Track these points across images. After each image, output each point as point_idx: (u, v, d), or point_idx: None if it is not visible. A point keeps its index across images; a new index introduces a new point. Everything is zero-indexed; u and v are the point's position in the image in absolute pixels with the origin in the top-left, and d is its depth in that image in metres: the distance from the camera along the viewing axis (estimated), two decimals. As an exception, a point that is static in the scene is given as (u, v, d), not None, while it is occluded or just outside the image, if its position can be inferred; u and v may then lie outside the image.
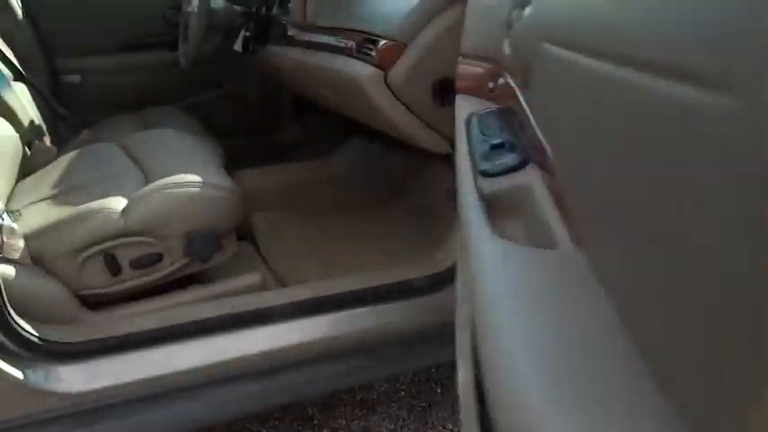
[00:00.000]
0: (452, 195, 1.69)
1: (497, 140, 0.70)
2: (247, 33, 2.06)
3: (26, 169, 1.57)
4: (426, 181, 2.04)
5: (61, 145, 1.94)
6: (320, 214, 1.96)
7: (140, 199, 1.22)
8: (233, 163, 1.91)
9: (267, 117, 2.67)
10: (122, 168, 1.43)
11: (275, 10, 2.02)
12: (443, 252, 1.46)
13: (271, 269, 1.58)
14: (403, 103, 1.35)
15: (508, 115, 0.78)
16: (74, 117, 2.21)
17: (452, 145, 1.43)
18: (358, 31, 1.47)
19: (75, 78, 2.32)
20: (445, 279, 1.40)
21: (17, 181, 1.50)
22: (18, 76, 1.91)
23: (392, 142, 1.73)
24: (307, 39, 1.74)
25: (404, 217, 1.92)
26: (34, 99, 1.91)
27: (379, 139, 2.12)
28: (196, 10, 2.01)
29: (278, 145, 2.66)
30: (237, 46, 2.05)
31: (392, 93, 1.33)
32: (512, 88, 0.72)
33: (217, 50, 2.13)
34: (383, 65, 1.32)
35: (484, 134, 0.75)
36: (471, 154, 0.72)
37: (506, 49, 0.75)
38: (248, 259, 1.57)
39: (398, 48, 1.31)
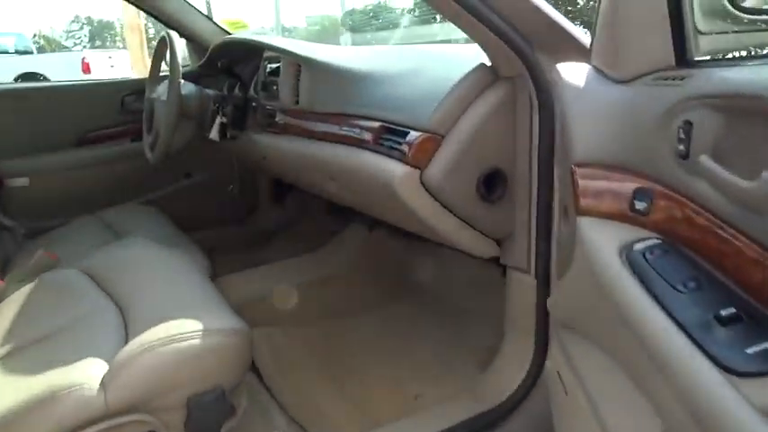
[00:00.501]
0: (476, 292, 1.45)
1: (727, 311, 0.48)
2: (224, 119, 1.82)
3: None
4: (443, 272, 1.80)
5: (8, 267, 1.62)
6: (326, 322, 1.68)
7: (124, 365, 0.91)
8: (210, 256, 1.63)
9: (244, 203, 2.41)
10: (93, 308, 1.13)
11: (257, 93, 1.78)
12: (490, 380, 1.22)
13: (283, 408, 1.29)
14: (442, 204, 1.11)
15: (694, 256, 0.56)
16: (21, 227, 1.89)
17: (500, 245, 1.22)
18: (371, 119, 1.24)
19: (23, 181, 2.02)
20: (498, 417, 1.15)
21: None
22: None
23: (395, 228, 1.49)
24: (302, 126, 1.50)
25: (425, 321, 1.65)
26: None
27: (379, 223, 1.88)
28: (164, 98, 1.76)
29: (258, 231, 2.40)
30: (214, 135, 1.79)
31: (429, 193, 1.10)
32: (705, 225, 0.53)
33: (189, 141, 1.87)
34: (417, 161, 1.08)
35: (677, 288, 0.53)
36: (675, 320, 0.50)
37: (683, 177, 0.58)
38: (256, 400, 1.27)
39: (434, 140, 1.08)
